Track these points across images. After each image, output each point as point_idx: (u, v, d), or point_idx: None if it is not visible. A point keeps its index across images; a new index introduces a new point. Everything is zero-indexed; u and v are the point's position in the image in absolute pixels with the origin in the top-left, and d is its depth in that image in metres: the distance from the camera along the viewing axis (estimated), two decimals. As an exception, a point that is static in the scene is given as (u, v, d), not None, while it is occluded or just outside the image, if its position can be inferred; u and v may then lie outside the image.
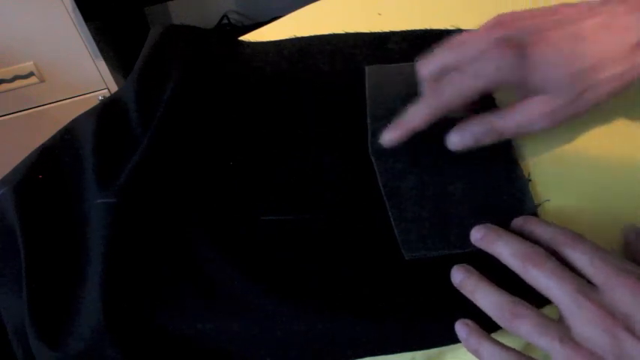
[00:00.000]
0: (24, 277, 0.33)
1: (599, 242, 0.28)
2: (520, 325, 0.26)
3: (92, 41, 0.95)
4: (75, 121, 0.42)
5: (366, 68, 0.42)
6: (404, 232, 0.33)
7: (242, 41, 0.47)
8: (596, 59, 0.30)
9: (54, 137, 0.40)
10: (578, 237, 0.28)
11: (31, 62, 0.95)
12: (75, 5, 0.88)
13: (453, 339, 0.30)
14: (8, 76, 0.96)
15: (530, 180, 0.35)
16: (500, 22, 0.33)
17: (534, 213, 0.33)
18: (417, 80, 0.37)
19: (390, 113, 0.38)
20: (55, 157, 0.39)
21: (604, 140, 0.37)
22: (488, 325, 0.29)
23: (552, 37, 0.31)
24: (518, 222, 0.31)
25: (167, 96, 0.40)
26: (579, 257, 0.27)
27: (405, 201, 0.34)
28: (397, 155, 0.37)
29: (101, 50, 0.98)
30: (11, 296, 0.33)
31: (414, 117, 0.34)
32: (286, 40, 0.46)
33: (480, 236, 0.31)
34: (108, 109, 0.41)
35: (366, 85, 0.41)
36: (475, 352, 0.28)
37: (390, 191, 0.35)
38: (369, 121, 0.39)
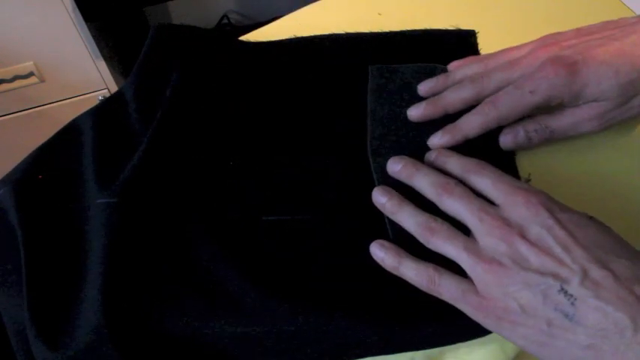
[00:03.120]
0: (24, 277, 0.33)
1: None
2: (435, 239, 0.30)
3: (92, 41, 0.95)
4: (74, 121, 0.42)
5: (370, 68, 0.42)
6: (398, 232, 0.33)
7: (242, 41, 0.47)
8: None
9: (54, 137, 0.40)
10: (482, 164, 0.32)
11: (31, 62, 0.95)
12: (75, 5, 0.88)
13: (453, 339, 0.30)
14: (8, 76, 0.96)
15: (530, 180, 0.35)
16: (548, 42, 0.36)
17: None
18: (421, 82, 0.39)
19: (392, 115, 0.38)
20: (55, 157, 0.39)
21: (603, 146, 0.37)
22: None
23: (600, 55, 0.33)
24: (431, 155, 0.35)
25: (167, 96, 0.40)
26: (482, 181, 0.31)
27: None
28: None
29: (101, 50, 0.98)
30: (11, 296, 0.33)
31: (468, 125, 0.35)
32: (286, 40, 0.46)
33: (399, 168, 0.34)
34: (107, 108, 0.41)
35: (369, 85, 0.41)
36: (395, 270, 0.31)
37: None
38: (369, 121, 0.39)
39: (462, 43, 0.44)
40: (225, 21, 1.42)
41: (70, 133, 0.41)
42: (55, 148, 0.40)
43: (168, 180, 0.36)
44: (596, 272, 0.25)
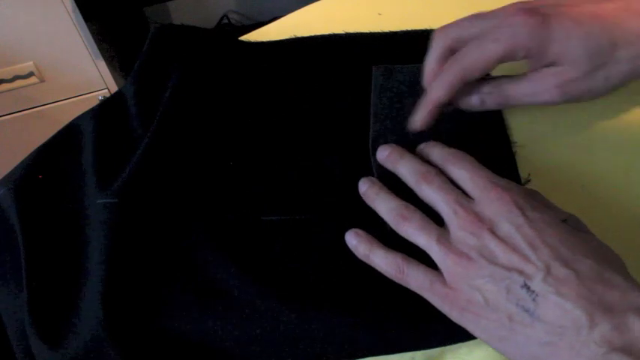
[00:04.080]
0: (24, 277, 0.33)
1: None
2: (406, 227, 0.30)
3: (92, 41, 0.95)
4: (74, 121, 0.42)
5: (373, 68, 0.42)
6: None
7: (242, 41, 0.47)
8: (614, 38, 0.32)
9: (54, 137, 0.40)
10: (461, 155, 0.32)
11: (31, 62, 0.95)
12: (75, 5, 0.88)
13: (453, 339, 0.30)
14: (8, 76, 0.96)
15: (529, 180, 0.35)
16: (524, 1, 0.34)
17: None
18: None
19: (394, 114, 0.38)
20: (55, 157, 0.39)
21: (603, 146, 0.37)
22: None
23: (574, 12, 0.32)
24: (419, 147, 0.35)
25: (167, 96, 0.40)
26: (460, 173, 0.31)
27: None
28: None
29: (101, 50, 0.98)
30: (11, 296, 0.33)
31: (436, 91, 0.34)
32: (286, 40, 0.46)
33: (385, 155, 0.35)
34: (107, 108, 0.41)
35: (372, 84, 0.41)
36: (366, 258, 0.31)
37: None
38: (372, 120, 0.39)
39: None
40: (225, 21, 1.42)
41: (69, 133, 0.41)
42: (55, 148, 0.40)
43: (169, 180, 0.36)
44: (559, 270, 0.25)
